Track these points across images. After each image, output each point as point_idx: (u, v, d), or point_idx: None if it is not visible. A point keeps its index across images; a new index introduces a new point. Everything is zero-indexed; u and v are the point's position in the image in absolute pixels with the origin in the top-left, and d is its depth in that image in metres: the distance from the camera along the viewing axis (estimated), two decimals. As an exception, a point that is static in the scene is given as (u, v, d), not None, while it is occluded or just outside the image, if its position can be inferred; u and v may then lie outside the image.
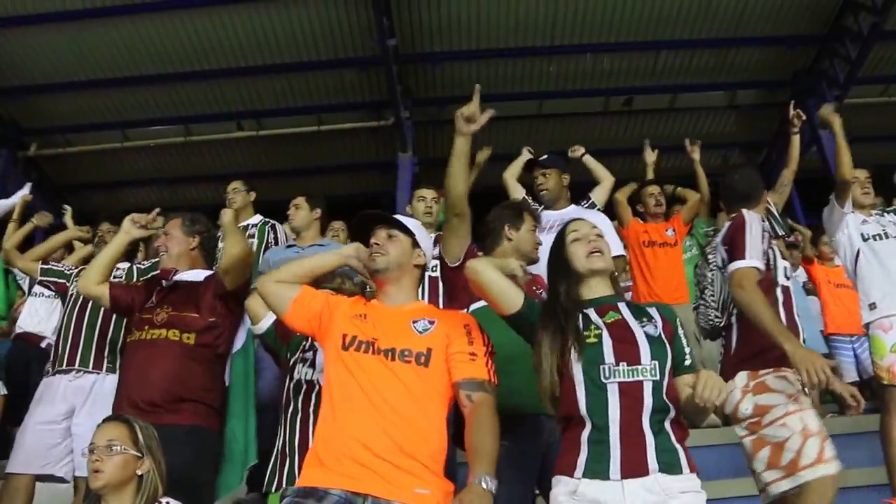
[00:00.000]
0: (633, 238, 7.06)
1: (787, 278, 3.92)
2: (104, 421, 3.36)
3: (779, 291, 3.92)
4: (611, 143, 12.08)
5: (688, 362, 2.87)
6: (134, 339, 3.99)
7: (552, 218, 5.28)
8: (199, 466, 3.72)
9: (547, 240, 5.18)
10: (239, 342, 4.22)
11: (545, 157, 5.61)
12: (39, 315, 6.87)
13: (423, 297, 4.68)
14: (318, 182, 12.44)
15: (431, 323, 3.06)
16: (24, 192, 6.91)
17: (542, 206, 5.48)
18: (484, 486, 2.64)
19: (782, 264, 3.95)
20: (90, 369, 5.01)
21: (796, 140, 5.91)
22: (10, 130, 11.88)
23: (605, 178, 6.19)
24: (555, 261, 3.16)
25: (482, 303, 3.70)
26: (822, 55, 11.32)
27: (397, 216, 3.35)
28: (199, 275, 4.21)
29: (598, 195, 6.13)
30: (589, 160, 6.40)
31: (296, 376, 3.98)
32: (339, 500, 2.70)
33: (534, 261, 4.04)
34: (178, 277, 4.13)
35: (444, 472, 2.89)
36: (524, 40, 10.93)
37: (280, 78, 11.40)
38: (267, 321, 4.01)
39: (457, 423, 3.13)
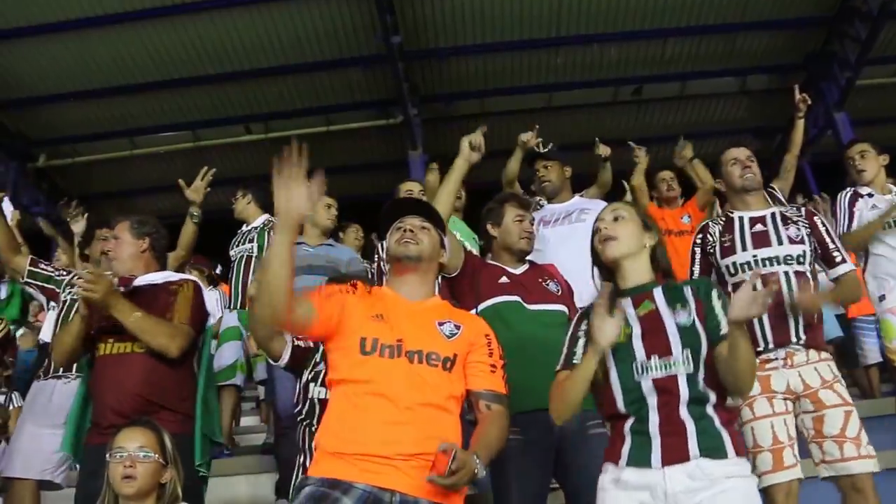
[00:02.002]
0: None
1: (734, 274, 3.90)
2: (130, 425, 3.32)
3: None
4: (621, 134, 11.94)
5: (723, 331, 2.72)
6: (102, 355, 3.87)
7: (557, 211, 5.24)
8: (185, 473, 3.59)
9: (555, 232, 5.12)
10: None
11: (548, 149, 5.51)
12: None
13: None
14: (328, 183, 12.24)
15: (458, 328, 2.98)
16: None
17: (541, 199, 5.44)
18: (475, 458, 2.61)
19: (725, 263, 3.93)
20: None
21: (801, 124, 5.85)
22: (18, 142, 11.91)
23: (604, 184, 6.11)
24: (591, 254, 3.10)
25: (489, 302, 3.66)
26: (832, 37, 11.21)
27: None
28: (156, 277, 4.08)
29: (592, 194, 6.05)
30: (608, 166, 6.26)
31: (310, 395, 3.94)
32: (365, 494, 2.65)
33: (525, 251, 3.99)
34: (136, 283, 3.99)
35: None
36: (529, 33, 10.86)
37: (286, 79, 11.38)
38: (286, 356, 3.97)
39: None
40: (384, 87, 11.42)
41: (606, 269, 3.00)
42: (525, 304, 3.73)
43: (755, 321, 3.65)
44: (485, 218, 4.12)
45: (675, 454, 2.62)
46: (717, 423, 2.67)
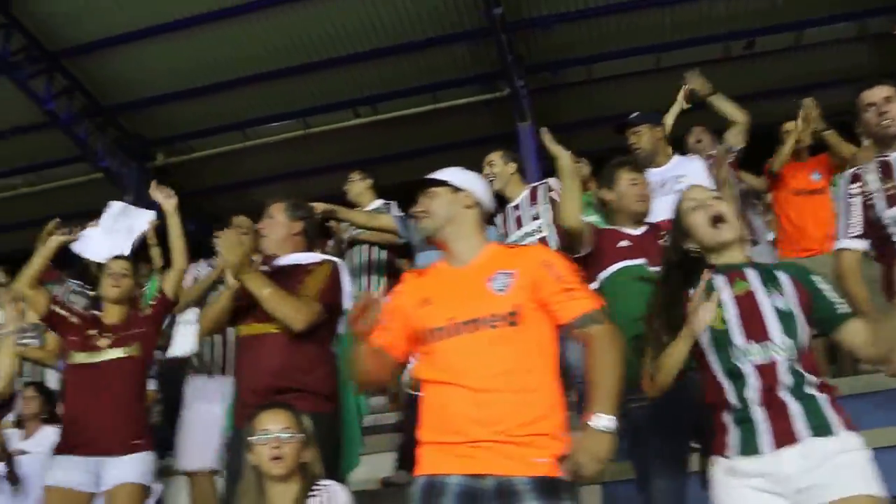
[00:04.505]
0: (782, 184, 6.65)
1: None
2: (270, 407, 3.41)
3: None
4: (734, 90, 11.55)
5: (840, 311, 2.70)
6: (242, 336, 3.99)
7: (654, 178, 5.07)
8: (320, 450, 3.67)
9: (660, 198, 4.99)
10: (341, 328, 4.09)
11: (633, 115, 5.32)
12: None
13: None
14: (438, 160, 11.99)
15: (510, 276, 2.83)
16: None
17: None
18: (602, 426, 2.55)
19: (893, 213, 3.53)
20: None
21: None
22: (137, 143, 12.29)
23: (738, 119, 5.84)
24: (676, 235, 3.00)
25: (611, 269, 3.60)
26: (959, -34, 10.56)
27: (431, 176, 3.13)
28: (301, 257, 4.10)
29: (732, 138, 5.82)
30: (718, 100, 5.99)
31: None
32: (459, 490, 2.62)
33: (641, 213, 3.94)
34: (279, 262, 4.07)
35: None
36: (635, -8, 10.57)
37: (390, 61, 11.37)
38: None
39: None
40: (488, 61, 11.30)
41: (686, 236, 2.92)
42: (649, 268, 3.65)
43: None
44: (599, 184, 4.11)
45: (784, 437, 2.56)
46: (820, 403, 2.61)
